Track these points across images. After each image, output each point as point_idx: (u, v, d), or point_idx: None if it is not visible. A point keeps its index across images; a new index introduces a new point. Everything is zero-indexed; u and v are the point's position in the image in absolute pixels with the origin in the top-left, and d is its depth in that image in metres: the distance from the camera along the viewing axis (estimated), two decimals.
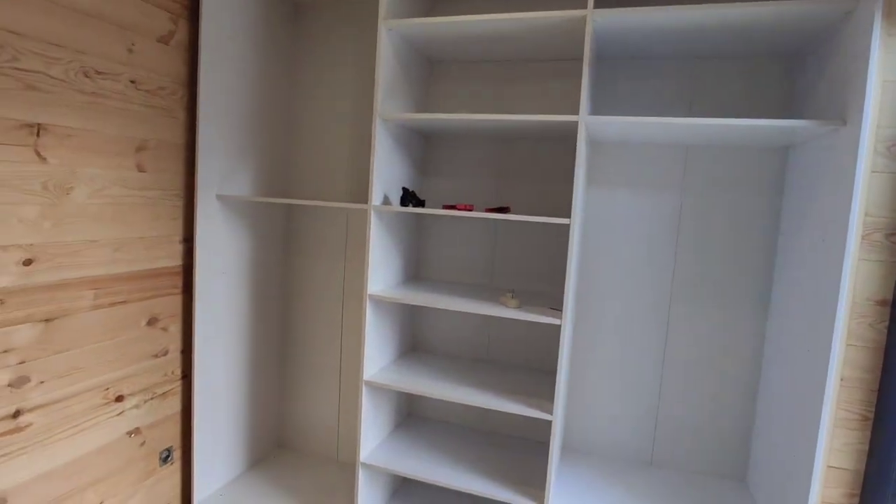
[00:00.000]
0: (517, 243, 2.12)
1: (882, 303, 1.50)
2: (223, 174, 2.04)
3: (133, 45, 1.72)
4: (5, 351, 1.45)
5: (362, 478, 1.91)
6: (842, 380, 1.56)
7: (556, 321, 1.64)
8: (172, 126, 1.90)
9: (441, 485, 1.79)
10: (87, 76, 1.59)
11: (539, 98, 2.05)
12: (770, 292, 1.84)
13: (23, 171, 1.45)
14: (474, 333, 2.21)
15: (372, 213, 1.80)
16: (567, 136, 1.96)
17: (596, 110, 1.97)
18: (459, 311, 2.21)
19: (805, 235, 1.58)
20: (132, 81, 1.73)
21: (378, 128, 1.78)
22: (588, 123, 1.59)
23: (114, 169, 1.70)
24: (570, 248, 1.61)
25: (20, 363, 1.49)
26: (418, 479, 1.81)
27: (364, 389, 1.87)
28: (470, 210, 1.77)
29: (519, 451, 2.05)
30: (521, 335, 2.15)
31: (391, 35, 1.80)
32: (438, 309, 2.24)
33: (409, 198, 1.83)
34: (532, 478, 1.86)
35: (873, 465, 1.49)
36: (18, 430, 1.50)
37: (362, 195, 2.29)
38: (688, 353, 1.94)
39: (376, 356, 1.95)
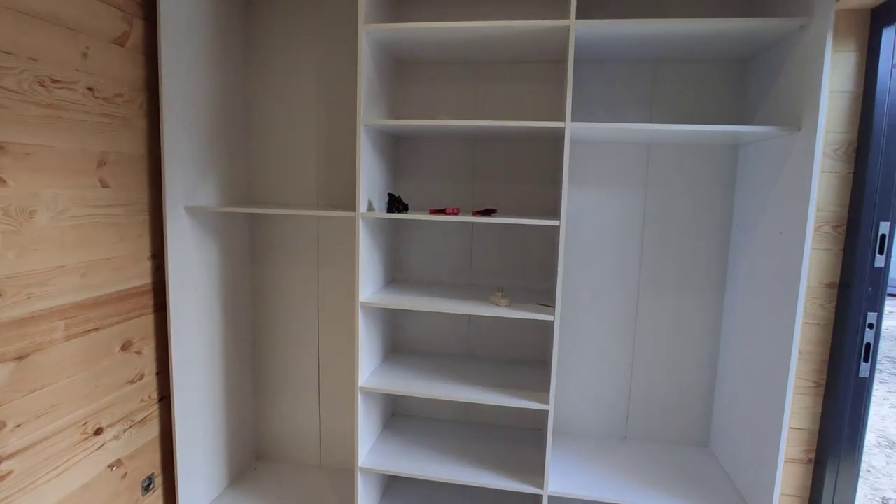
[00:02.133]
0: (493, 242, 2.18)
1: (831, 285, 1.73)
2: (189, 185, 1.92)
3: (87, 48, 1.57)
4: None
5: (361, 482, 1.92)
6: (799, 353, 1.78)
7: (548, 317, 1.73)
8: (133, 137, 1.76)
9: (444, 481, 1.85)
10: (42, 86, 1.44)
11: (508, 98, 2.10)
12: (725, 278, 2.04)
13: None
14: (454, 331, 2.26)
15: (360, 221, 1.79)
16: (541, 137, 2.04)
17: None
18: (440, 311, 2.25)
19: (762, 228, 1.76)
20: (89, 89, 1.59)
21: (361, 134, 1.76)
22: (573, 129, 1.67)
23: (76, 188, 1.56)
24: (560, 247, 1.70)
25: None
26: (421, 479, 1.86)
27: (360, 396, 1.88)
28: (457, 214, 1.81)
29: (506, 440, 2.15)
30: (500, 330, 2.23)
31: (368, 40, 1.77)
32: (419, 310, 2.27)
33: (395, 203, 1.83)
34: (525, 464, 1.97)
35: (827, 424, 1.73)
36: None
37: (333, 201, 2.25)
38: (655, 337, 2.12)
39: (367, 362, 1.95)
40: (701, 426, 2.13)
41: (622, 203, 2.08)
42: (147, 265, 1.85)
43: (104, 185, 1.65)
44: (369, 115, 1.81)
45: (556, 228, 2.00)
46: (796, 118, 1.57)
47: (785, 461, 1.79)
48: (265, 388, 2.43)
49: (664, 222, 2.06)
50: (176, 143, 1.83)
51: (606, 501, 1.78)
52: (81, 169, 1.57)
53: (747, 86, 1.94)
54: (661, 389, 2.14)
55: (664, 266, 2.08)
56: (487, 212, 1.86)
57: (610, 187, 2.08)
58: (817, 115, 1.47)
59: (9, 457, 1.40)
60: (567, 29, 1.62)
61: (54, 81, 1.47)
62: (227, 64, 2.09)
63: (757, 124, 1.84)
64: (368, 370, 1.97)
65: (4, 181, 1.36)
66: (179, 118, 1.84)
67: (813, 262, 1.74)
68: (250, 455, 2.44)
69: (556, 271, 1.77)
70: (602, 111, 2.04)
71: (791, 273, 1.56)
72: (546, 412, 1.80)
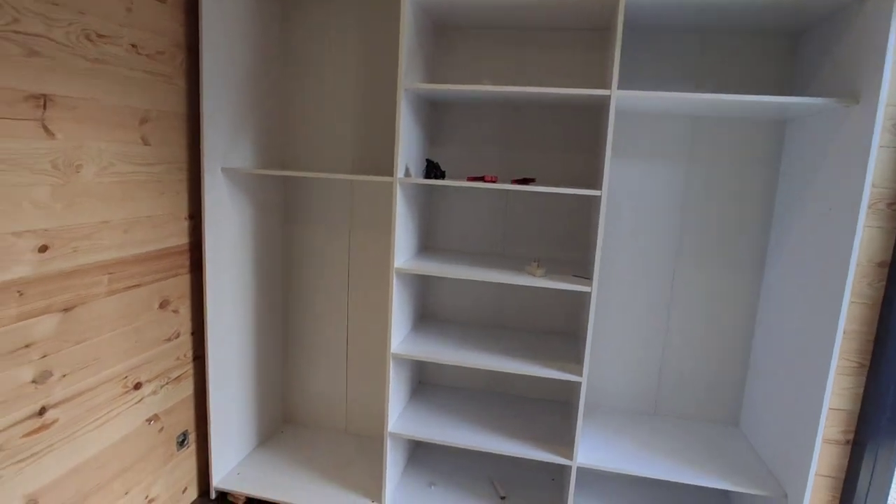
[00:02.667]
0: (526, 212, 2.16)
1: (882, 264, 1.68)
2: (226, 146, 1.92)
3: (132, 2, 1.56)
4: (27, 346, 1.34)
5: (389, 447, 1.95)
6: (844, 332, 1.75)
7: (585, 288, 1.71)
8: (173, 95, 1.75)
9: (471, 449, 1.86)
10: (89, 39, 1.43)
11: (548, 66, 2.05)
12: (765, 255, 2.01)
13: (32, 148, 1.31)
14: (484, 300, 2.26)
15: (398, 186, 1.77)
16: (581, 106, 2.00)
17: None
18: (471, 280, 2.24)
19: (808, 205, 1.72)
20: (133, 45, 1.58)
21: (402, 99, 1.74)
22: (618, 98, 1.63)
23: (120, 142, 1.56)
24: (600, 219, 1.67)
25: (42, 357, 1.38)
26: (447, 446, 1.87)
27: (391, 362, 1.89)
28: (494, 182, 1.78)
29: (533, 411, 2.16)
30: (530, 301, 2.22)
31: (411, 1, 1.73)
32: (449, 277, 2.26)
33: (433, 169, 1.82)
34: (552, 435, 1.97)
35: (868, 404, 1.71)
36: (45, 427, 1.41)
37: (368, 165, 2.24)
38: (689, 311, 2.09)
39: (398, 328, 1.96)
40: (732, 404, 2.12)
41: (663, 176, 2.04)
42: (184, 225, 1.86)
43: (146, 142, 1.66)
44: (410, 80, 1.78)
45: (593, 199, 1.97)
46: (854, 92, 1.52)
47: (822, 441, 1.78)
48: (294, 352, 2.46)
49: (705, 197, 2.02)
50: (214, 103, 1.83)
51: (635, 474, 1.78)
52: (125, 124, 1.58)
53: (797, 60, 1.87)
54: (693, 365, 2.12)
55: (703, 241, 2.05)
56: (525, 181, 1.83)
57: (651, 159, 2.04)
58: (878, 88, 1.42)
59: (55, 405, 1.43)
60: None
61: (100, 36, 1.46)
62: (264, 22, 2.07)
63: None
64: (399, 337, 1.98)
65: (53, 133, 1.36)
66: (218, 78, 1.83)
67: (864, 239, 1.69)
68: (278, 418, 2.48)
69: (593, 242, 1.75)
70: (646, 83, 1.99)
71: (840, 251, 1.52)
72: (578, 384, 1.80)
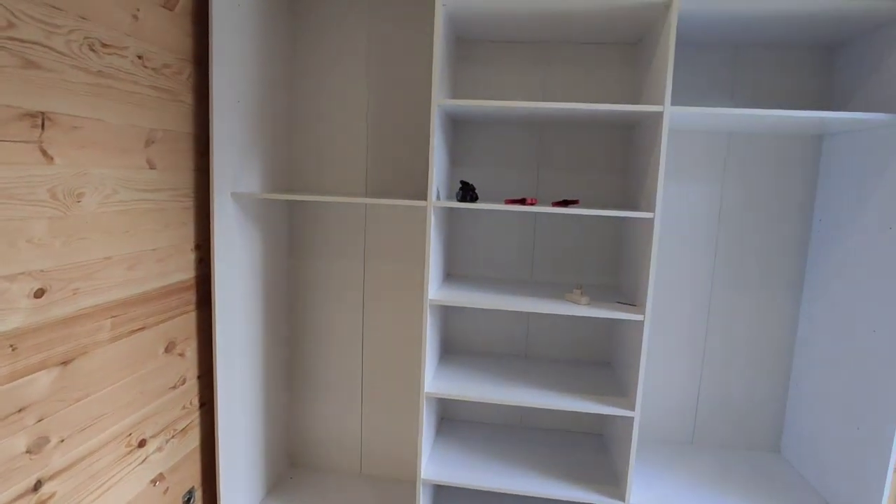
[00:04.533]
0: (557, 236, 2.05)
1: None
2: (236, 169, 1.74)
3: (138, 10, 1.38)
4: (20, 410, 1.13)
5: (422, 494, 1.77)
6: None
7: (637, 317, 1.60)
8: (180, 113, 1.57)
9: (516, 493, 1.71)
10: (92, 50, 1.25)
11: (575, 82, 1.96)
12: (803, 276, 1.94)
13: (28, 175, 1.11)
14: (510, 330, 2.12)
15: (432, 210, 1.63)
16: (613, 125, 1.91)
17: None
18: (496, 309, 2.10)
19: (858, 223, 1.66)
20: (139, 57, 1.39)
21: (435, 116, 1.60)
22: (673, 115, 1.53)
23: (124, 168, 1.37)
24: (653, 243, 1.57)
25: (37, 422, 1.17)
26: (492, 491, 1.72)
27: (424, 403, 1.72)
28: (534, 204, 1.66)
29: (565, 446, 2.02)
30: (559, 330, 2.09)
31: (444, 12, 1.61)
32: (477, 308, 2.12)
33: (468, 191, 1.68)
34: (593, 472, 1.84)
35: None
36: (41, 503, 1.19)
37: (384, 188, 2.08)
38: (727, 336, 2.01)
39: (430, 365, 1.80)
40: (772, 430, 2.03)
41: (697, 195, 1.96)
42: (190, 257, 1.66)
43: (151, 166, 1.47)
44: (442, 96, 1.65)
45: (628, 222, 1.87)
46: None
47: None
48: (302, 391, 2.25)
49: (740, 217, 1.95)
50: (224, 123, 1.65)
51: None
52: (130, 147, 1.38)
53: (835, 73, 1.83)
54: (732, 391, 2.03)
55: (739, 263, 1.97)
56: (567, 202, 1.72)
57: (684, 178, 1.96)
58: None
59: (51, 477, 1.21)
60: (669, 5, 1.48)
61: (104, 45, 1.28)
62: (277, 37, 1.90)
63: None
64: (430, 374, 1.82)
65: (52, 158, 1.16)
66: (227, 94, 1.65)
67: None
68: (286, 462, 2.27)
69: (642, 267, 1.64)
70: (677, 96, 1.92)
71: None
72: (630, 419, 1.67)
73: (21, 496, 1.14)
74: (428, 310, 1.68)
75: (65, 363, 1.23)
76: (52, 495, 1.21)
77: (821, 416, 1.79)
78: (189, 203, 1.64)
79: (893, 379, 1.49)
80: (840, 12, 1.50)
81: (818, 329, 1.84)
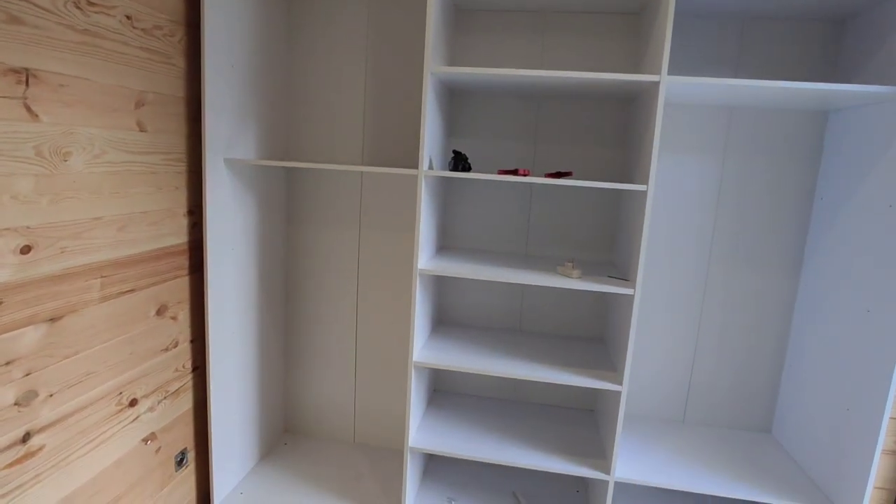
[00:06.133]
0: (551, 209, 2.03)
1: None
2: (229, 135, 1.74)
3: None
4: (8, 363, 1.15)
5: (409, 462, 1.80)
6: None
7: (627, 291, 1.59)
8: (172, 76, 1.56)
9: (502, 463, 1.72)
10: (77, 7, 1.24)
11: (574, 52, 1.92)
12: (802, 255, 1.91)
13: (13, 132, 1.12)
14: (503, 303, 2.12)
15: (423, 179, 1.62)
16: (611, 96, 1.87)
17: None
18: (490, 281, 2.10)
19: (859, 201, 1.62)
20: (127, 17, 1.38)
21: (428, 83, 1.58)
22: (669, 85, 1.50)
23: (113, 128, 1.37)
24: (645, 217, 1.54)
25: (26, 375, 1.19)
26: (478, 461, 1.73)
27: (413, 372, 1.74)
28: (527, 175, 1.64)
29: (555, 421, 2.03)
30: (553, 304, 2.09)
31: None
32: (468, 279, 2.11)
33: (460, 162, 1.66)
34: (581, 446, 1.85)
35: None
36: (30, 455, 1.22)
37: (380, 157, 2.07)
38: (722, 314, 1.99)
39: (419, 334, 1.80)
40: (763, 411, 2.02)
41: (696, 170, 1.92)
42: (183, 222, 1.67)
43: (141, 128, 1.47)
44: (436, 63, 1.62)
45: (623, 196, 1.84)
46: None
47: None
48: (296, 358, 2.28)
49: (740, 194, 1.91)
50: (217, 87, 1.64)
51: (675, 489, 1.67)
52: (118, 108, 1.38)
53: (843, 47, 1.77)
54: (725, 370, 2.02)
55: (737, 240, 1.94)
56: (560, 174, 1.70)
57: (683, 153, 1.92)
58: None
59: (41, 430, 1.24)
60: None
61: (91, 4, 1.27)
62: (271, 4, 1.88)
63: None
64: (419, 343, 1.83)
65: (37, 115, 1.17)
66: (221, 58, 1.64)
67: None
68: (280, 429, 2.30)
69: (634, 241, 1.62)
70: (682, 70, 1.87)
71: None
72: (617, 394, 1.67)
73: (10, 447, 1.17)
74: (417, 279, 1.68)
75: (53, 320, 1.25)
76: (41, 447, 1.25)
77: (813, 397, 1.78)
78: (182, 168, 1.64)
79: (884, 361, 1.47)
80: None
81: (815, 309, 1.82)
